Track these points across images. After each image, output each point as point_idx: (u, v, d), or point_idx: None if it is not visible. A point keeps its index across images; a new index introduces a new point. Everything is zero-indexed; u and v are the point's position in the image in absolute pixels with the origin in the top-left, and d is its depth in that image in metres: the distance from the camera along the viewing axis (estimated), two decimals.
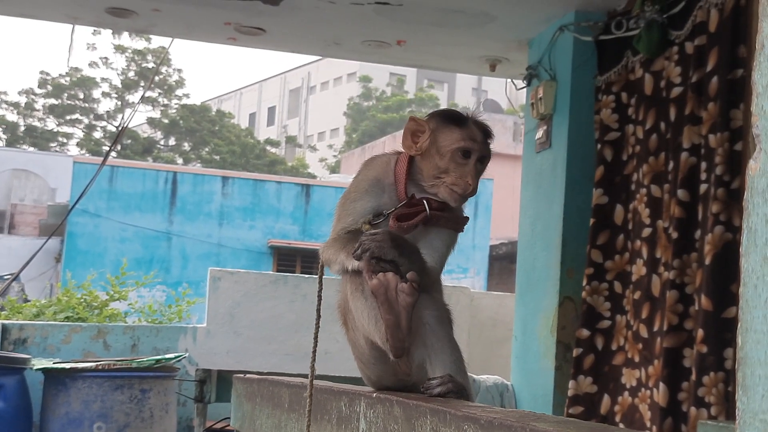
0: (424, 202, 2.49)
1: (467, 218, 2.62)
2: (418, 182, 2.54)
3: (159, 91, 37.78)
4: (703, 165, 4.11)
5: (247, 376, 3.66)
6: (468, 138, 2.50)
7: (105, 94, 38.85)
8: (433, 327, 2.39)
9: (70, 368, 5.71)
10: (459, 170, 2.48)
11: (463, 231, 2.61)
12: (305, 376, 2.64)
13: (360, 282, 2.39)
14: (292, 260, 19.11)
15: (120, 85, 38.33)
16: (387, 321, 2.30)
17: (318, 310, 2.64)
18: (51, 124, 39.27)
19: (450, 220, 2.54)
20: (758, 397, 0.80)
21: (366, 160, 2.72)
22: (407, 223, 2.46)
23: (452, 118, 2.57)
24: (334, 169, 39.32)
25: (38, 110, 38.88)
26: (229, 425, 5.51)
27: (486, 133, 2.56)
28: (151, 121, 38.50)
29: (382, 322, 2.32)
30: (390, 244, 2.33)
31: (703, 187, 4.11)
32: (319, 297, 2.64)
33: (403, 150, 2.59)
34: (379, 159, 2.66)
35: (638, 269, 4.60)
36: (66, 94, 38.45)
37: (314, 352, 2.44)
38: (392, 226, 2.45)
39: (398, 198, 2.52)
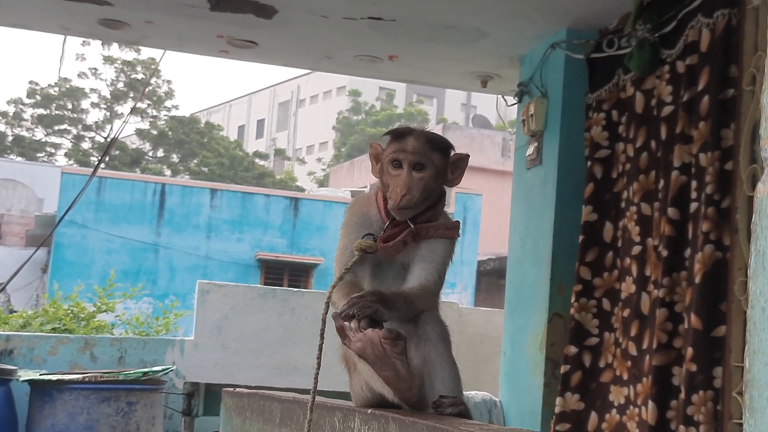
0: (407, 220, 2.53)
1: (457, 222, 2.65)
2: None
3: (148, 102, 37.74)
4: (694, 184, 4.12)
5: (237, 390, 3.64)
6: (398, 150, 2.54)
7: (94, 105, 38.79)
8: (435, 343, 2.40)
9: (57, 380, 5.67)
10: (393, 182, 2.53)
11: (458, 236, 2.63)
12: (294, 390, 2.63)
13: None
14: (280, 273, 19.08)
15: (109, 96, 38.27)
16: (386, 378, 2.23)
17: (320, 348, 2.56)
18: (39, 134, 39.16)
19: (439, 228, 2.57)
20: (766, 420, 0.79)
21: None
22: (393, 242, 2.51)
23: (393, 134, 2.62)
24: (322, 183, 39.32)
25: (26, 120, 38.78)
26: None
27: (431, 142, 2.56)
28: (139, 133, 38.44)
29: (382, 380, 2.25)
30: (371, 299, 2.31)
31: (693, 206, 4.12)
32: (322, 337, 2.55)
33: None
34: (361, 196, 2.77)
35: (627, 287, 4.60)
36: (55, 105, 38.36)
37: (316, 377, 2.42)
38: (380, 250, 2.50)
39: (383, 224, 2.58)
